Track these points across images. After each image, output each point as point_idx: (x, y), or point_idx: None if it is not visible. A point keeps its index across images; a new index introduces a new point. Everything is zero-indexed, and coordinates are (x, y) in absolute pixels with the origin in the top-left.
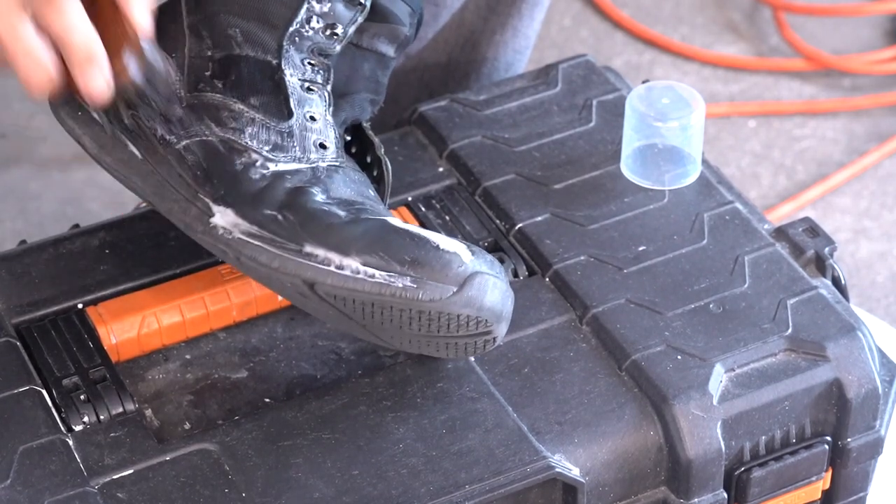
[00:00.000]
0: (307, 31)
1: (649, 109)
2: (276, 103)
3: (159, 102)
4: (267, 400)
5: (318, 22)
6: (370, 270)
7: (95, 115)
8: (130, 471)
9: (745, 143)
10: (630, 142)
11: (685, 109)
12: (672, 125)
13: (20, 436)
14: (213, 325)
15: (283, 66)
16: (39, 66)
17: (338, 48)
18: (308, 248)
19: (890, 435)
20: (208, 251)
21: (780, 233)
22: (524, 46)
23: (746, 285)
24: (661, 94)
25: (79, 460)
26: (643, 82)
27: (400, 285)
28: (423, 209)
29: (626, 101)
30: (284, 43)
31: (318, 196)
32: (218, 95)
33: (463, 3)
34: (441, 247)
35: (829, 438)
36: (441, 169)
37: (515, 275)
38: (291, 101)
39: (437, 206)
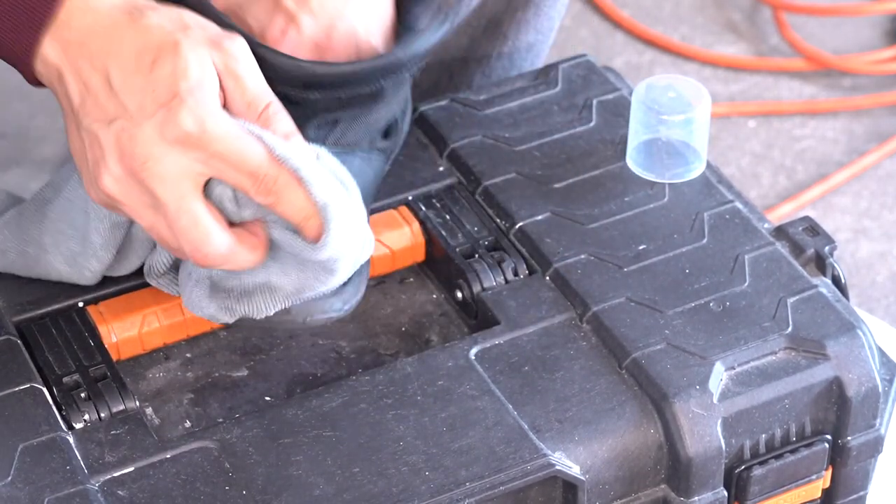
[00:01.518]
0: None
1: (655, 103)
2: None
3: None
4: (267, 398)
5: None
6: None
7: None
8: (131, 468)
9: (745, 143)
10: (636, 135)
11: (691, 104)
12: (678, 119)
13: (21, 433)
14: (214, 323)
15: None
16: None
17: None
18: None
19: (890, 434)
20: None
21: (781, 232)
22: (547, 28)
23: (746, 284)
24: (666, 88)
25: (79, 458)
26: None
27: None
28: (423, 208)
29: (633, 95)
30: None
31: None
32: None
33: None
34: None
35: (829, 437)
36: (441, 168)
37: (516, 273)
38: None
39: (438, 205)
